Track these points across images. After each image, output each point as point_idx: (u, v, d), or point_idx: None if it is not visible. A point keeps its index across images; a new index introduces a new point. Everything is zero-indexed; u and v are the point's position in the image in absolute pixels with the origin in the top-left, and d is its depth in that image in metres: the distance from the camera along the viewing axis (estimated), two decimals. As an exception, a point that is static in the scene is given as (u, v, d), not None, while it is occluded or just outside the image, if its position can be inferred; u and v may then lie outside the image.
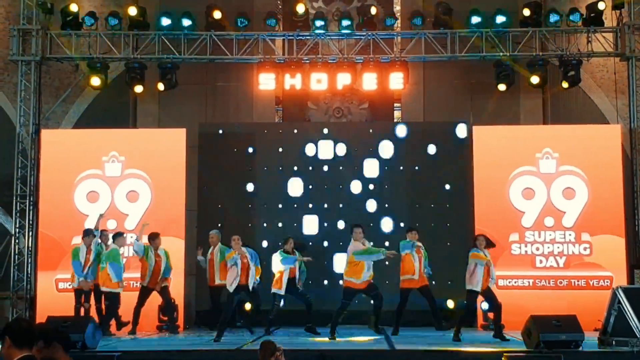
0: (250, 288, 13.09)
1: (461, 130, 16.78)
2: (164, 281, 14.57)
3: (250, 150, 17.08)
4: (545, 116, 17.65)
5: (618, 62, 17.17)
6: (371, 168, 16.91)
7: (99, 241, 14.51)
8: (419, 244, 14.09)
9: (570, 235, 15.80)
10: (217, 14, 16.87)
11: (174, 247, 15.33)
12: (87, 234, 14.56)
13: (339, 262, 16.13)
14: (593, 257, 15.70)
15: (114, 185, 16.20)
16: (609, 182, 15.87)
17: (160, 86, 16.91)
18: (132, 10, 16.83)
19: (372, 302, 13.27)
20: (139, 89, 16.90)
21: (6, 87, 17.87)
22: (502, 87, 16.76)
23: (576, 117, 17.30)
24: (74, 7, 16.87)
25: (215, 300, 14.89)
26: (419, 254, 13.96)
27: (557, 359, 10.21)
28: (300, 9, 16.81)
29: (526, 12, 16.59)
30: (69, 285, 14.73)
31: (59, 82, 17.84)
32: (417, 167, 16.90)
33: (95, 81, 16.71)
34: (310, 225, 16.78)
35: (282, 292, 14.07)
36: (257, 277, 13.35)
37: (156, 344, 12.62)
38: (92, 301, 14.34)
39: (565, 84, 16.68)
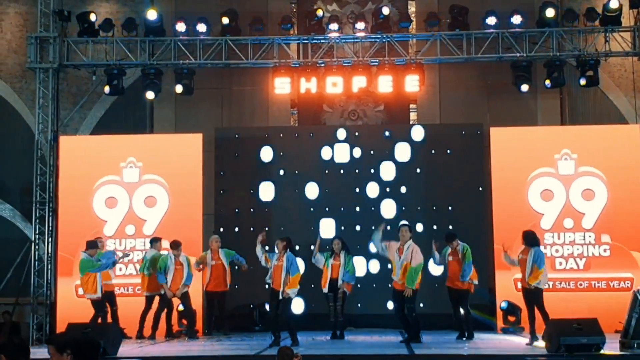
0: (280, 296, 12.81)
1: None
2: (185, 287, 14.63)
3: (266, 153, 17.09)
4: (563, 117, 17.55)
5: (636, 61, 17.05)
6: (387, 171, 16.88)
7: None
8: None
9: (590, 236, 15.68)
10: (232, 19, 16.89)
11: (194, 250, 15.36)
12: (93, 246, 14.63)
13: (357, 265, 16.19)
14: (612, 257, 15.58)
15: (132, 191, 16.23)
16: (628, 182, 15.73)
17: (179, 88, 16.84)
18: (152, 14, 16.86)
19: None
20: (150, 95, 16.95)
21: (24, 94, 18.01)
22: (524, 87, 16.63)
23: (594, 117, 17.21)
24: (90, 15, 16.94)
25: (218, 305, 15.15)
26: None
27: (578, 363, 10.16)
28: (320, 13, 16.84)
29: (550, 12, 16.41)
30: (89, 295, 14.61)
31: (76, 88, 17.96)
32: (433, 170, 16.84)
33: (107, 90, 16.81)
34: (327, 228, 16.73)
35: (325, 290, 14.18)
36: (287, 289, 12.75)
37: (176, 350, 12.65)
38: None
39: (583, 82, 16.50)
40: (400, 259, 12.93)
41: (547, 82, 16.57)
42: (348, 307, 14.70)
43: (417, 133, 17.06)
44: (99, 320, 13.92)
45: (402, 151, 16.94)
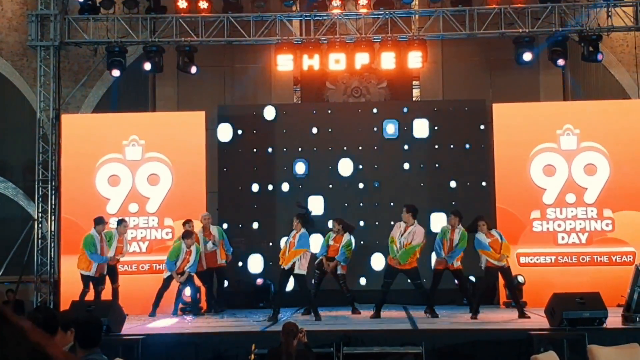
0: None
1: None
2: (187, 273, 14.57)
3: (270, 130, 17.09)
4: (566, 92, 17.55)
5: (639, 36, 17.02)
6: (391, 147, 16.88)
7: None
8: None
9: (592, 211, 15.70)
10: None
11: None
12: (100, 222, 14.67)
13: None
14: (615, 232, 15.62)
15: (135, 169, 16.25)
16: (630, 157, 15.75)
17: (193, 69, 16.78)
18: None
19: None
20: (147, 66, 16.86)
21: (26, 72, 17.95)
22: (527, 56, 16.48)
23: (597, 92, 17.19)
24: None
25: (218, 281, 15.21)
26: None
27: (581, 337, 10.19)
28: None
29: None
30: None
31: (77, 66, 17.92)
32: (436, 146, 16.85)
33: (116, 73, 16.77)
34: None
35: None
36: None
37: (181, 327, 12.70)
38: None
39: (600, 57, 16.41)
40: (400, 239, 13.03)
41: (561, 61, 16.50)
42: (351, 282, 14.74)
43: (420, 110, 17.08)
44: (92, 296, 14.01)
45: (405, 128, 16.95)
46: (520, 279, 14.77)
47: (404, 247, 13.00)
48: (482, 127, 16.71)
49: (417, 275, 13.19)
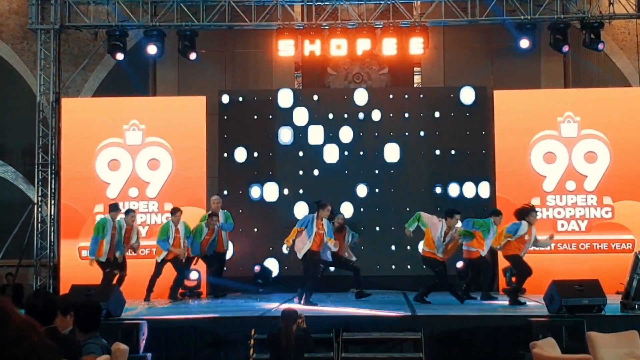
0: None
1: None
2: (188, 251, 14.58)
3: (270, 116, 17.07)
4: (567, 79, 17.51)
5: (640, 24, 16.99)
6: (391, 133, 16.86)
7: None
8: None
9: (592, 199, 15.72)
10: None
11: (196, 215, 15.34)
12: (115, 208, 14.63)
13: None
14: (615, 220, 15.61)
15: (135, 154, 16.23)
16: (631, 145, 15.74)
17: (193, 55, 16.73)
18: None
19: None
20: (152, 49, 16.77)
21: (26, 55, 17.89)
22: (524, 43, 16.47)
23: (598, 80, 17.16)
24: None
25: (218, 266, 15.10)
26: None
27: (580, 324, 10.20)
28: None
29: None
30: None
31: (78, 50, 17.86)
32: (437, 133, 16.84)
33: (120, 56, 16.70)
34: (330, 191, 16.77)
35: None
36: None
37: (180, 311, 12.71)
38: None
39: (601, 46, 16.39)
40: (443, 241, 13.09)
41: (565, 48, 16.47)
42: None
43: (422, 95, 17.06)
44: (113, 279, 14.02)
45: (406, 115, 16.92)
46: None
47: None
48: (482, 114, 16.66)
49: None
